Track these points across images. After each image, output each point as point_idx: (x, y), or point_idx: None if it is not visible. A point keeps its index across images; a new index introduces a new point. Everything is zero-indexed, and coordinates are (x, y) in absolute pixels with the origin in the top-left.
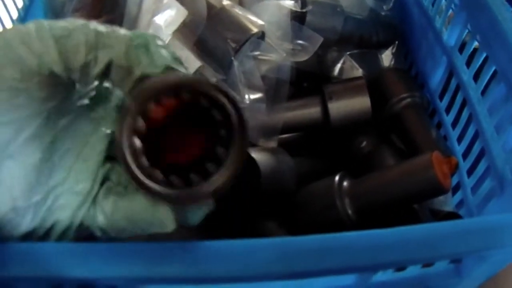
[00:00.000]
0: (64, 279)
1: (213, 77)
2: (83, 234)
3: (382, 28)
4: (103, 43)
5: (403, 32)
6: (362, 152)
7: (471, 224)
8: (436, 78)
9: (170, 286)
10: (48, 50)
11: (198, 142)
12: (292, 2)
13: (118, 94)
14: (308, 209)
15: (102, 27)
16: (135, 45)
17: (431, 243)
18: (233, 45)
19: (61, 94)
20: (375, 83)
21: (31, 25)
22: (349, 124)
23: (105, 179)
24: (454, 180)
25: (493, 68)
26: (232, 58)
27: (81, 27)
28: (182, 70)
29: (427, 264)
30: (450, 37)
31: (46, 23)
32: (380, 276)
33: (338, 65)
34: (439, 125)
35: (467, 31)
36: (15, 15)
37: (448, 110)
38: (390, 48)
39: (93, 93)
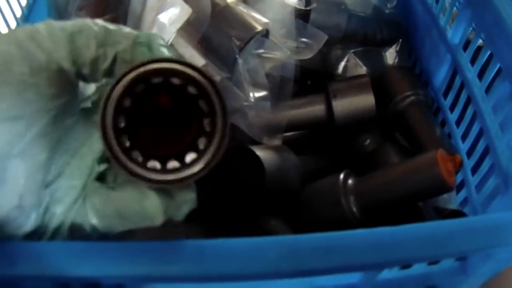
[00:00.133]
0: (71, 278)
1: (217, 75)
2: (76, 233)
3: (386, 26)
4: (112, 40)
5: (407, 30)
6: (366, 150)
7: (477, 222)
8: (440, 76)
9: (177, 284)
10: (58, 46)
11: (181, 133)
12: (296, 0)
13: None
14: (313, 207)
15: (110, 25)
16: (140, 42)
17: (437, 241)
18: (238, 43)
19: (68, 93)
20: (379, 81)
21: (41, 24)
22: (353, 122)
23: (99, 178)
24: (458, 178)
25: (498, 66)
26: (237, 56)
27: (91, 24)
28: None
29: (433, 262)
30: (455, 35)
31: (55, 22)
32: (386, 274)
33: (342, 63)
34: (443, 123)
35: (471, 28)
36: (18, 13)
37: (452, 108)
38: (394, 46)
39: (95, 96)
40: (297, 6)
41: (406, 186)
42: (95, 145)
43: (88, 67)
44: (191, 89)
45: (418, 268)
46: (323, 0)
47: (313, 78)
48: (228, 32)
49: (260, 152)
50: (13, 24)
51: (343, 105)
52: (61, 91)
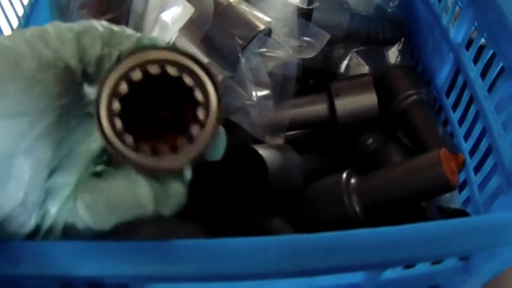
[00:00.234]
0: (74, 277)
1: (220, 73)
2: (70, 233)
3: (389, 25)
4: (116, 40)
5: (410, 29)
6: (369, 149)
7: (480, 221)
8: (443, 75)
9: (179, 284)
10: (65, 45)
11: (175, 120)
12: None
13: None
14: (315, 206)
15: (114, 26)
16: (143, 43)
17: (440, 240)
18: (240, 42)
19: (73, 93)
20: (381, 80)
21: (48, 25)
22: (356, 121)
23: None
24: (461, 177)
25: (501, 65)
26: (239, 55)
27: (96, 25)
28: None
29: (436, 261)
30: (457, 34)
31: (62, 23)
32: (389, 273)
33: (345, 62)
34: (446, 122)
35: (473, 27)
36: (20, 12)
37: (454, 107)
38: (396, 45)
39: None
40: (300, 5)
41: (409, 185)
42: (93, 144)
43: (94, 65)
44: (187, 80)
45: (421, 268)
46: None
47: (315, 77)
48: (230, 31)
49: (262, 151)
50: (15, 23)
51: (346, 104)
52: (67, 90)
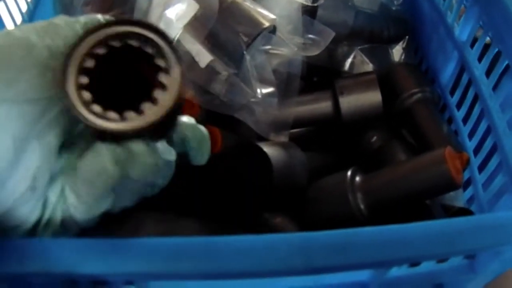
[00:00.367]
0: (79, 275)
1: (224, 71)
2: (67, 224)
3: (393, 23)
4: None
5: (414, 27)
6: (373, 147)
7: (485, 220)
8: (447, 73)
9: (187, 281)
10: (74, 33)
11: (140, 85)
12: None
13: None
14: (320, 204)
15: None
16: None
17: (447, 239)
18: (245, 39)
19: None
20: (385, 78)
21: (56, 18)
22: (360, 119)
23: None
24: (465, 176)
25: (506, 63)
26: (244, 52)
27: (101, 18)
28: None
29: (441, 260)
30: (462, 32)
31: (69, 17)
32: (395, 271)
33: (349, 60)
34: (450, 120)
35: (478, 26)
36: (24, 8)
37: (459, 105)
38: (400, 43)
39: None
40: (304, 3)
41: (414, 183)
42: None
43: None
44: (149, 49)
45: (427, 266)
46: None
47: (319, 74)
48: (235, 28)
49: (267, 149)
50: (18, 19)
51: (350, 102)
52: None
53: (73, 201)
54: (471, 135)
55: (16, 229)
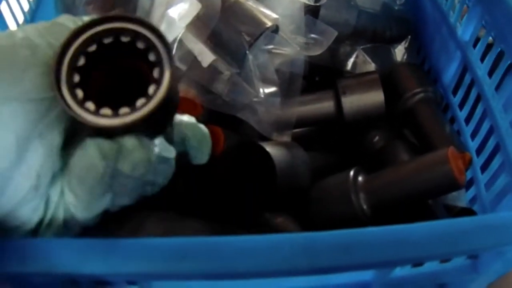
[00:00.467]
0: (81, 275)
1: (227, 70)
2: (70, 224)
3: (395, 23)
4: None
5: (416, 27)
6: (375, 146)
7: (489, 220)
8: (450, 73)
9: (191, 281)
10: None
11: (132, 81)
12: None
13: None
14: (323, 204)
15: None
16: None
17: (451, 239)
18: (248, 38)
19: None
20: (388, 78)
21: (59, 17)
22: (363, 119)
23: None
24: (468, 176)
25: (508, 63)
26: (247, 51)
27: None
28: None
29: (445, 260)
30: (465, 32)
31: (72, 16)
32: (398, 271)
33: (351, 59)
34: (452, 120)
35: (481, 25)
36: (26, 8)
37: (461, 105)
38: (403, 43)
39: None
40: (307, 2)
41: (417, 183)
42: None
43: None
44: (140, 44)
45: (430, 266)
46: None
47: (321, 74)
48: (237, 28)
49: (270, 149)
50: (21, 18)
51: (352, 101)
52: None
53: (72, 199)
54: (473, 135)
55: (18, 229)
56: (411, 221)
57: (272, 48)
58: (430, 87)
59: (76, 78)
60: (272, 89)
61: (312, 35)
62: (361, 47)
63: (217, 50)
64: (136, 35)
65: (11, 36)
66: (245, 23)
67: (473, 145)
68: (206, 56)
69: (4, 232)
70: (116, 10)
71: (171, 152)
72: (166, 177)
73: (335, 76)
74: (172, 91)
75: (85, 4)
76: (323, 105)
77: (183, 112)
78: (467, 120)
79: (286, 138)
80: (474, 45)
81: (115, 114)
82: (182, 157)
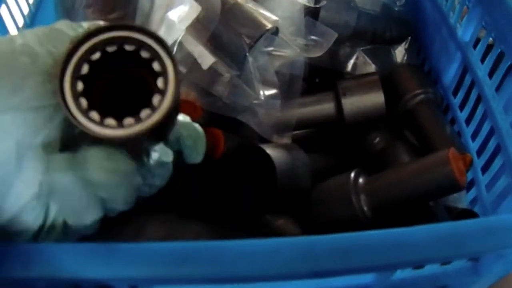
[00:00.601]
0: (83, 280)
1: (227, 72)
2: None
3: (395, 24)
4: None
5: (416, 28)
6: (376, 148)
7: (491, 222)
8: (450, 74)
9: (192, 286)
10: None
11: (137, 92)
12: None
13: None
14: (323, 206)
15: None
16: None
17: (452, 241)
18: (248, 40)
19: None
20: (388, 79)
21: (57, 23)
22: (363, 120)
23: None
24: (468, 177)
25: (509, 64)
26: (247, 53)
27: (103, 24)
28: None
29: (445, 262)
30: (465, 32)
31: (71, 22)
32: (399, 274)
33: (351, 61)
34: (453, 121)
35: (481, 26)
36: (26, 11)
37: (462, 106)
38: (403, 44)
39: None
40: (307, 4)
41: (418, 185)
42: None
43: None
44: (144, 54)
45: (431, 268)
46: None
47: (322, 76)
48: (237, 30)
49: (270, 151)
50: (20, 22)
51: (353, 103)
52: None
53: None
54: (474, 136)
55: (19, 235)
56: (412, 223)
57: (272, 50)
58: (431, 88)
59: (80, 86)
60: (272, 91)
61: (312, 37)
62: (361, 48)
63: (217, 52)
64: (141, 44)
65: (10, 42)
66: (245, 25)
67: (473, 146)
68: (206, 59)
69: (4, 237)
70: (116, 13)
71: (169, 156)
72: (163, 179)
73: (335, 78)
74: (177, 102)
75: (85, 7)
76: (323, 107)
77: (182, 113)
78: (468, 121)
79: (286, 140)
80: (474, 46)
81: (120, 124)
82: (177, 156)
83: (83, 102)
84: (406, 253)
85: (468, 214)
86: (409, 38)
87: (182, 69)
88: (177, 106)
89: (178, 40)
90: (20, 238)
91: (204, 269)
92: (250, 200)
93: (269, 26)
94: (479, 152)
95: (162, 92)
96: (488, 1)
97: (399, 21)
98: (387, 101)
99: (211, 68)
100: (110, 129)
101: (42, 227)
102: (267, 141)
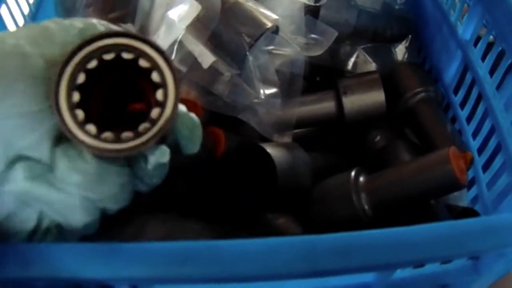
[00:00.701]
0: (84, 280)
1: (227, 71)
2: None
3: (396, 22)
4: None
5: (417, 26)
6: (377, 146)
7: (492, 221)
8: (451, 72)
9: (192, 285)
10: (70, 39)
11: (136, 104)
12: None
13: None
14: (324, 205)
15: (113, 26)
16: None
17: (453, 240)
18: (248, 39)
19: None
20: (388, 78)
21: (50, 22)
22: (364, 119)
23: None
24: (469, 175)
25: (509, 62)
26: (247, 52)
27: (96, 23)
28: None
29: (446, 261)
30: (466, 31)
31: (64, 20)
32: (399, 273)
33: (352, 59)
34: (453, 119)
35: (482, 24)
36: (26, 11)
37: (462, 104)
38: (403, 42)
39: None
40: (307, 2)
41: (418, 184)
42: None
43: None
44: (143, 63)
45: (431, 267)
46: None
47: (322, 74)
48: (238, 29)
49: (270, 150)
50: (21, 22)
51: (353, 101)
52: None
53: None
54: (475, 134)
55: (12, 238)
56: (412, 221)
57: (273, 49)
58: (431, 87)
59: (76, 97)
60: (273, 90)
61: (313, 36)
62: (362, 46)
63: (218, 51)
64: (139, 53)
65: (1, 42)
66: (245, 24)
67: (474, 144)
68: (207, 58)
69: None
70: (116, 12)
71: (166, 156)
72: (160, 177)
73: (335, 76)
74: (176, 115)
75: (85, 6)
76: (324, 106)
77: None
78: (468, 119)
79: (287, 139)
80: (475, 44)
81: (117, 139)
82: (176, 147)
83: (80, 114)
84: (406, 252)
85: (469, 212)
86: (410, 36)
87: (182, 68)
88: (176, 118)
89: (178, 39)
90: (15, 239)
91: (204, 269)
92: (250, 199)
93: (269, 24)
94: (480, 150)
95: (161, 105)
96: (489, 0)
97: (400, 19)
98: (387, 100)
99: (211, 67)
100: (107, 144)
101: (35, 230)
102: (267, 140)
